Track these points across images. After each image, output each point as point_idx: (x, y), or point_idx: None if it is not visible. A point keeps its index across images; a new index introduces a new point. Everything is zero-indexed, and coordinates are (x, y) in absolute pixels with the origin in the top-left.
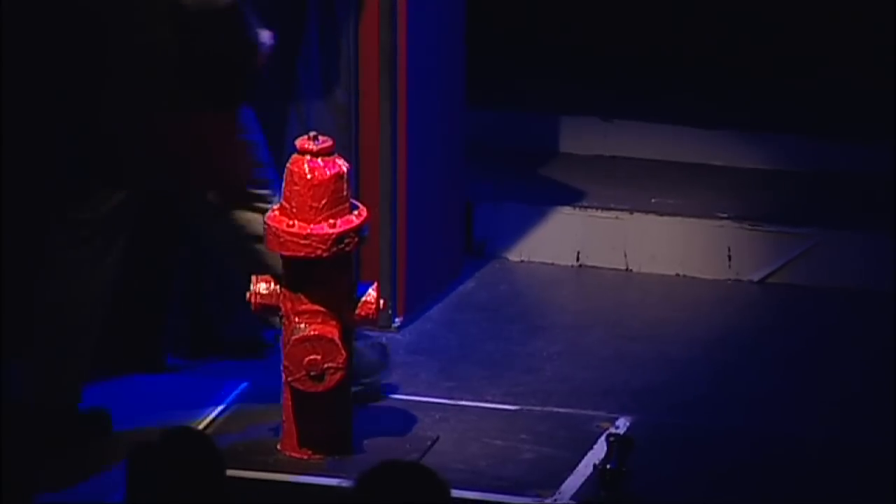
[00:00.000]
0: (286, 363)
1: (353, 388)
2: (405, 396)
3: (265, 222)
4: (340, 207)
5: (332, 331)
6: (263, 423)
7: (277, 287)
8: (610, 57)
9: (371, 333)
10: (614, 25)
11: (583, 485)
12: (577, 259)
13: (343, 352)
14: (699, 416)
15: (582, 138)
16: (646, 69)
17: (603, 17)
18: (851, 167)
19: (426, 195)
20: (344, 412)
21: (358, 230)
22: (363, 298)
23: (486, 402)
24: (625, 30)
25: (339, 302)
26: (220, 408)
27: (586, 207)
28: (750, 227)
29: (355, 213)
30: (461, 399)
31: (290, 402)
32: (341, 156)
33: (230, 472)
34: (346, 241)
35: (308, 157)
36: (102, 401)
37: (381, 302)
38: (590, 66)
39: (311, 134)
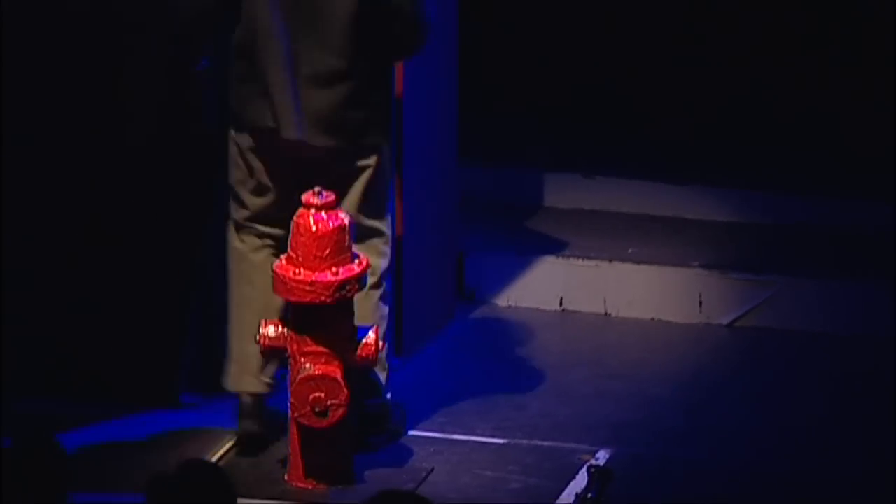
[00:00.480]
0: (293, 400)
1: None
2: None
3: (273, 270)
4: (342, 257)
5: (335, 371)
6: (271, 455)
7: (284, 330)
8: (591, 117)
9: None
10: (596, 88)
11: None
12: (561, 304)
13: (345, 390)
14: (674, 449)
15: (565, 193)
16: (623, 129)
17: (585, 80)
18: (810, 220)
19: (422, 245)
20: (345, 445)
21: (358, 278)
22: (363, 341)
23: (477, 436)
24: (605, 92)
25: (342, 344)
26: (231, 442)
27: (569, 257)
28: (719, 275)
29: (356, 262)
30: (453, 433)
31: (296, 436)
32: (343, 209)
33: (241, 501)
34: (348, 287)
35: (313, 210)
36: (120, 435)
37: (380, 344)
38: (572, 127)
39: (316, 189)
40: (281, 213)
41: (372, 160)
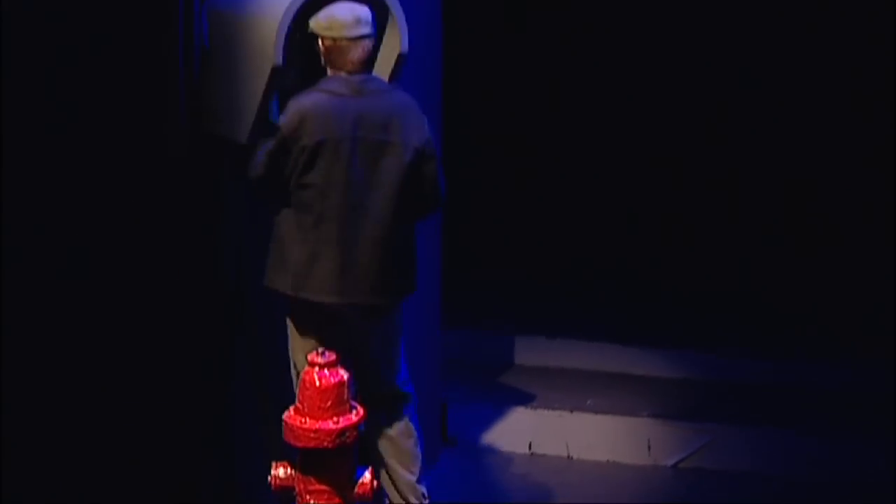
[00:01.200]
0: None
1: None
2: None
3: (283, 420)
4: (342, 408)
5: None
6: None
7: (293, 471)
8: (554, 289)
9: None
10: (558, 264)
11: None
12: (530, 448)
13: None
14: None
15: (532, 353)
16: (582, 299)
17: (548, 258)
18: (741, 377)
19: (407, 408)
20: None
21: (356, 426)
22: (360, 480)
23: None
24: (567, 266)
25: (342, 483)
26: None
27: (536, 408)
28: (664, 424)
29: (354, 412)
30: None
31: None
32: (343, 366)
33: None
34: (347, 434)
35: (317, 368)
36: None
37: (375, 483)
38: (538, 296)
39: (319, 350)
40: None
41: (397, 313)
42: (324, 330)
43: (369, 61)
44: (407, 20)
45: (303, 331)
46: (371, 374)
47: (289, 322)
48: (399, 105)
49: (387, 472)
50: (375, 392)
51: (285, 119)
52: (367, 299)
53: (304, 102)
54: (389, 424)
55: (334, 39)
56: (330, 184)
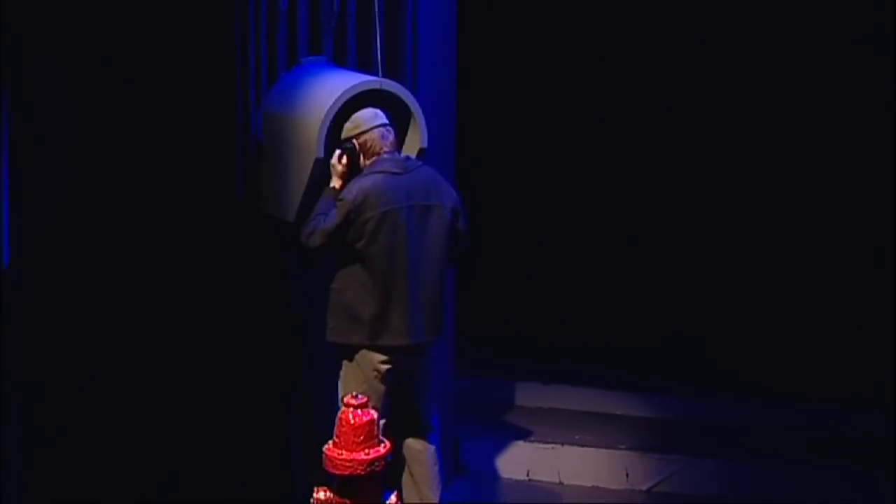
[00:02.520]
0: None
1: None
2: None
3: (324, 452)
4: (372, 442)
5: None
6: None
7: (331, 494)
8: (549, 342)
9: None
10: (550, 321)
11: None
12: (528, 475)
13: None
14: None
15: (530, 396)
16: (571, 351)
17: (546, 315)
18: (707, 417)
19: (433, 436)
20: None
21: (384, 457)
22: (387, 501)
23: None
24: (557, 324)
25: None
26: None
27: (533, 441)
28: (640, 455)
29: (382, 445)
30: None
31: None
32: (374, 407)
33: None
34: (376, 464)
35: (351, 408)
36: None
37: None
38: (535, 348)
39: (353, 393)
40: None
41: (434, 352)
42: (379, 371)
43: (397, 145)
44: (426, 118)
45: (361, 373)
46: (414, 406)
47: (346, 365)
48: (433, 176)
49: (416, 494)
50: (416, 423)
51: (350, 197)
52: (429, 337)
53: (366, 183)
54: (422, 451)
55: (363, 132)
56: (394, 245)
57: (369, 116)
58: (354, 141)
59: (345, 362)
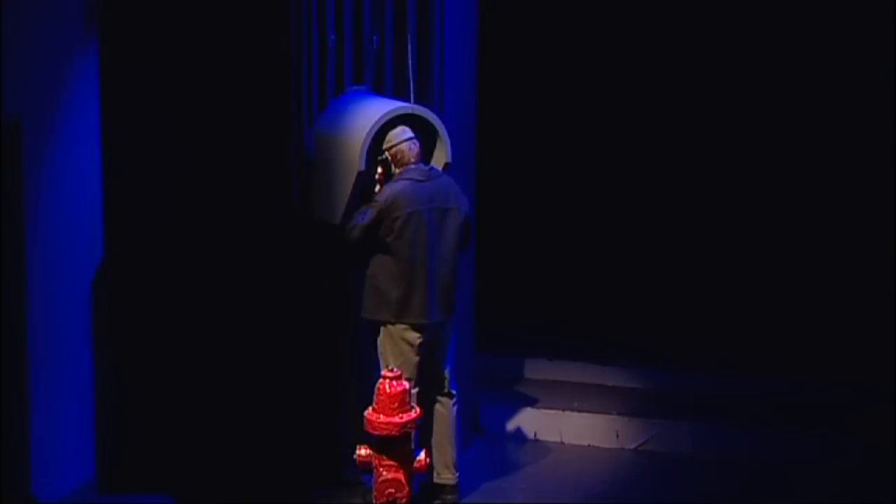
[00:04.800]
0: (375, 494)
1: None
2: None
3: (365, 416)
4: (405, 408)
5: (400, 476)
6: None
7: (371, 451)
8: (552, 326)
9: None
10: (553, 305)
11: None
12: (535, 436)
13: (406, 487)
14: None
15: (537, 370)
16: (571, 332)
17: (553, 299)
18: (686, 387)
19: (456, 403)
20: None
21: (415, 421)
22: (418, 458)
23: None
24: (558, 307)
25: (405, 460)
26: None
27: (540, 407)
28: (629, 419)
29: (413, 411)
30: None
31: None
32: (410, 378)
33: None
34: (408, 426)
35: (387, 380)
36: None
37: (427, 460)
38: (542, 331)
39: (390, 367)
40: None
41: (452, 328)
42: (411, 345)
43: (422, 155)
44: (449, 129)
45: (397, 347)
46: (437, 374)
47: (383, 342)
48: (450, 184)
49: (438, 450)
50: (438, 390)
51: (382, 200)
52: (444, 317)
53: (395, 188)
54: (445, 414)
55: (394, 146)
56: (417, 240)
57: (398, 133)
58: (387, 153)
59: (384, 340)
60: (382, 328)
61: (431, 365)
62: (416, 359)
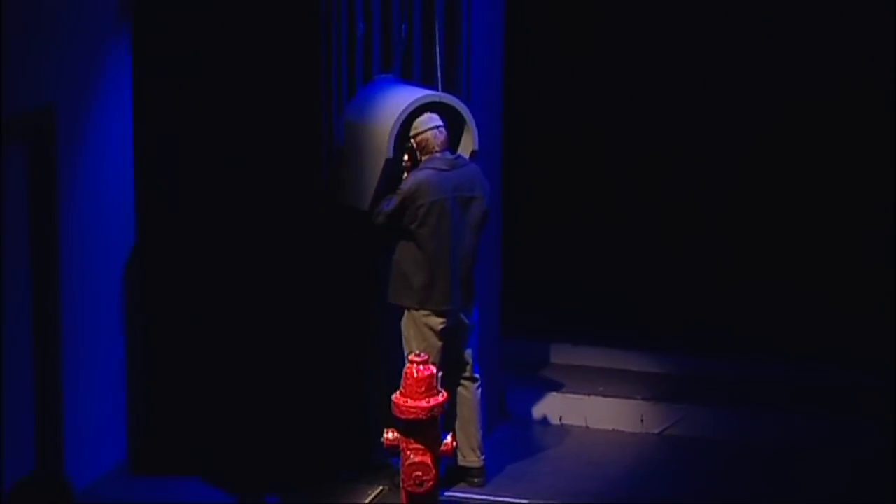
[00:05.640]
0: (403, 476)
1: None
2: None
3: (393, 400)
4: (432, 392)
5: (427, 459)
6: None
7: (398, 435)
8: (578, 311)
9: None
10: (580, 292)
11: None
12: (560, 420)
13: (433, 470)
14: (636, 494)
15: (562, 355)
16: (596, 317)
17: (573, 287)
18: (709, 372)
19: (482, 388)
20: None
21: (442, 405)
22: (444, 441)
23: (506, 496)
24: (585, 294)
25: (431, 443)
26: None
27: (565, 392)
28: (653, 404)
29: (440, 395)
30: (492, 495)
31: (405, 499)
32: (434, 363)
33: None
34: (435, 410)
35: (415, 364)
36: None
37: (454, 444)
38: (567, 316)
39: (416, 352)
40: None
41: (475, 314)
42: (434, 330)
43: (448, 143)
44: (476, 117)
45: (420, 332)
46: (461, 359)
47: (407, 327)
48: (476, 173)
49: (463, 433)
50: (462, 374)
51: (406, 188)
52: (466, 303)
53: (420, 176)
54: (469, 398)
55: (420, 133)
56: (440, 229)
57: (425, 120)
58: (413, 141)
59: (407, 325)
60: (406, 313)
61: (454, 350)
62: (440, 344)
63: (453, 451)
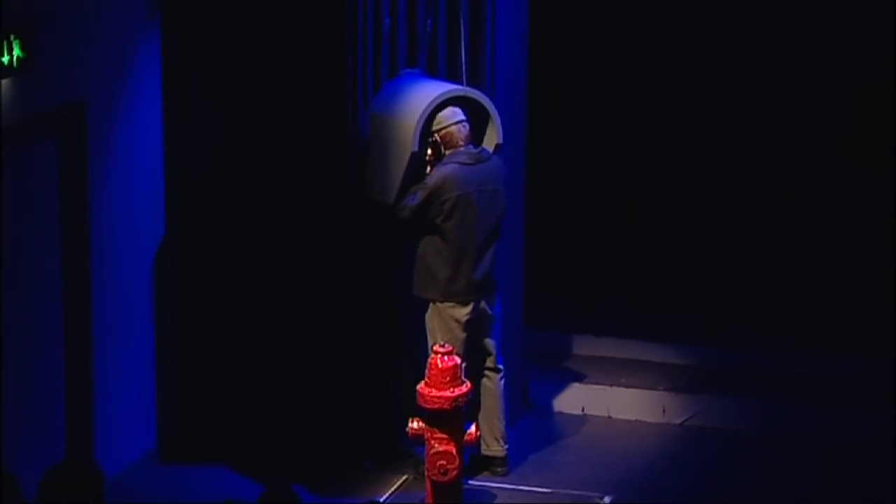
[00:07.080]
0: (427, 465)
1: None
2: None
3: (418, 390)
4: (456, 382)
5: (452, 448)
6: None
7: (423, 424)
8: (600, 304)
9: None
10: (602, 284)
11: None
12: (583, 411)
13: (457, 460)
14: (653, 493)
15: (585, 346)
16: (619, 310)
17: (595, 280)
18: (730, 364)
19: (505, 378)
20: (459, 493)
21: (466, 395)
22: (468, 430)
23: (529, 486)
24: (608, 286)
25: (456, 432)
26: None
27: (588, 383)
28: (674, 395)
29: (464, 385)
30: (515, 483)
31: (429, 488)
32: (459, 354)
33: None
34: (459, 400)
35: (439, 355)
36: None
37: (478, 433)
38: (590, 308)
39: (440, 342)
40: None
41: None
42: (459, 322)
43: (472, 137)
44: (500, 110)
45: (444, 324)
46: (484, 350)
47: (432, 319)
48: (500, 166)
49: (487, 423)
50: (486, 365)
51: (431, 183)
52: (490, 295)
53: (445, 171)
54: (493, 388)
55: (444, 128)
56: (466, 222)
57: (448, 115)
58: (436, 135)
59: (432, 317)
60: (431, 305)
61: (478, 341)
62: (464, 335)
63: (477, 441)
